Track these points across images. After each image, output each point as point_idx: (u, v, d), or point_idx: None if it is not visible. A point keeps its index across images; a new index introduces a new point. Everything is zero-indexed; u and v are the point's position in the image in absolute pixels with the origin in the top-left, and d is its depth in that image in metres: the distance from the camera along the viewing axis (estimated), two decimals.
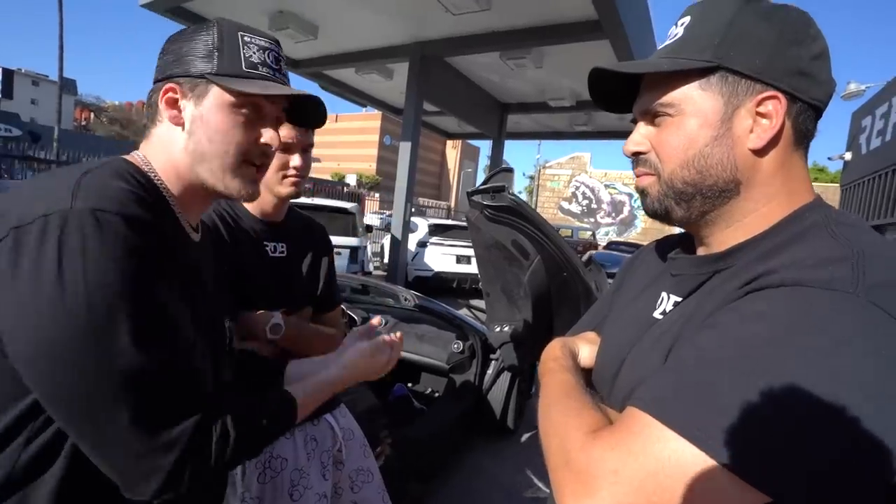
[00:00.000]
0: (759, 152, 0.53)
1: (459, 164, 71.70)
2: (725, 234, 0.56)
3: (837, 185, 14.40)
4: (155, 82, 0.69)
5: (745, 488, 0.37)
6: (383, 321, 1.16)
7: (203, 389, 0.59)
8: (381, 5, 5.41)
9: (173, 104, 0.67)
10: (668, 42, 0.58)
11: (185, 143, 0.67)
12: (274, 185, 1.13)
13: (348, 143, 68.65)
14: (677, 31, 0.57)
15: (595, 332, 0.77)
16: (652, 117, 0.58)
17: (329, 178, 38.18)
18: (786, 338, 0.40)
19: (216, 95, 0.66)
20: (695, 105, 0.53)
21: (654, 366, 0.53)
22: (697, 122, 0.53)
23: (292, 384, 0.74)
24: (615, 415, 0.54)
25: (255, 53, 0.68)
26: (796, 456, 0.37)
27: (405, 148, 6.98)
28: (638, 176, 0.61)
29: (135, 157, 0.68)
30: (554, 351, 0.72)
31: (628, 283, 0.76)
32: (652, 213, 0.60)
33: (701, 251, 0.61)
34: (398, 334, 0.94)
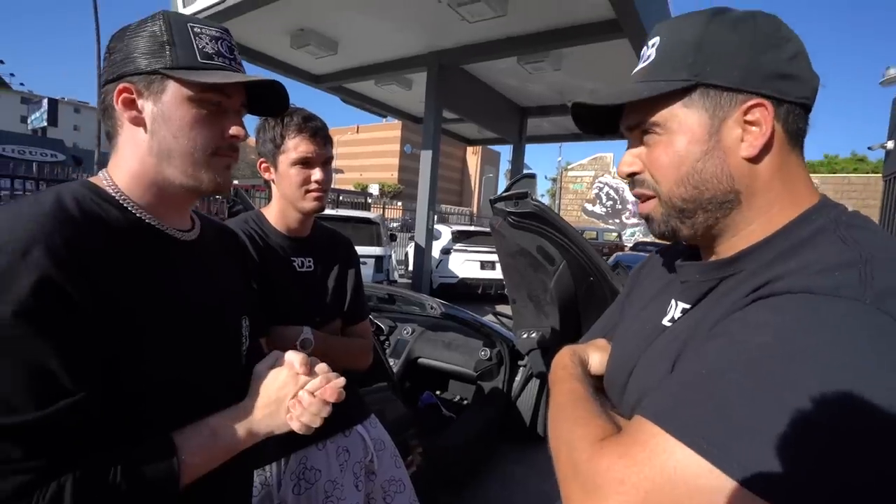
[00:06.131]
0: (754, 160, 0.53)
1: (480, 169, 71.74)
2: (732, 243, 0.56)
3: (879, 175, 13.71)
4: (105, 84, 0.66)
5: (752, 500, 0.37)
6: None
7: (57, 442, 0.51)
8: (399, 17, 5.50)
9: (130, 104, 0.64)
10: (642, 65, 0.59)
11: (148, 143, 0.65)
12: (297, 201, 1.15)
13: (370, 153, 69.63)
14: (650, 52, 0.58)
15: (606, 340, 0.77)
16: (641, 135, 0.58)
17: (352, 188, 38.79)
18: (792, 348, 0.40)
19: (174, 90, 0.64)
20: (680, 123, 0.54)
21: (662, 374, 0.53)
22: (685, 138, 0.54)
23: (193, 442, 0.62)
24: (626, 423, 0.54)
25: (208, 44, 0.65)
26: (805, 470, 0.36)
27: (426, 156, 7.04)
28: (637, 197, 0.62)
29: (99, 175, 0.67)
30: (563, 359, 0.72)
31: (639, 290, 0.75)
32: (660, 236, 0.61)
33: (709, 258, 0.61)
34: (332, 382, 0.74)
